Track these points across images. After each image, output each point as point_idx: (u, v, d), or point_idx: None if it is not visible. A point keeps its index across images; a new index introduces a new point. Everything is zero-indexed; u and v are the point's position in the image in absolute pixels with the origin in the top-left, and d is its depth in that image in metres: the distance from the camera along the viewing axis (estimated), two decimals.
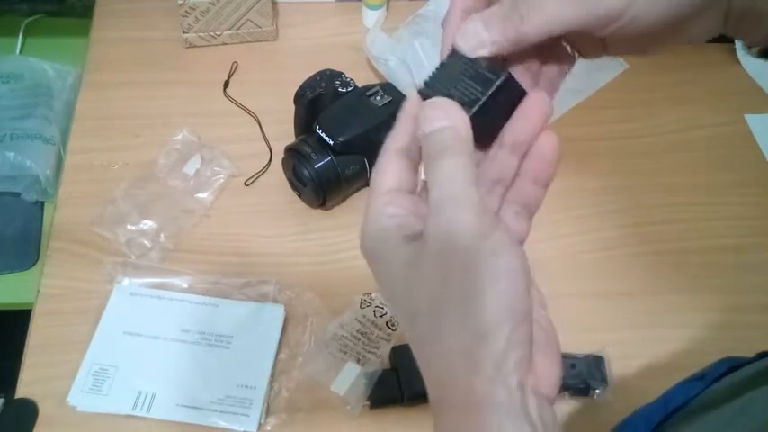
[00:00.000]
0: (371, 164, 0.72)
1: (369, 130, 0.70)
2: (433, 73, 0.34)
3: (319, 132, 0.69)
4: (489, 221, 0.29)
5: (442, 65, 0.35)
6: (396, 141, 0.35)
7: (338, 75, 0.75)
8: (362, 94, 0.72)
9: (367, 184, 0.76)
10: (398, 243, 0.31)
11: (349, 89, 0.74)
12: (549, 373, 0.30)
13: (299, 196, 0.74)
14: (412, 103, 0.35)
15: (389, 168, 0.34)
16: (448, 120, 0.31)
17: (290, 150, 0.72)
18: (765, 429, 0.40)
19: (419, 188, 0.35)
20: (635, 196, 0.79)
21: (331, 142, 0.69)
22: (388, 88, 0.73)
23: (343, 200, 0.76)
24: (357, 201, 0.76)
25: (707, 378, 0.49)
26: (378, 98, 0.72)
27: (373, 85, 0.73)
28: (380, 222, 0.32)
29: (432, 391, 0.31)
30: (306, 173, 0.70)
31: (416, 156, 0.35)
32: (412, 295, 0.30)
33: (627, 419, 0.52)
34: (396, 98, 0.72)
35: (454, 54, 0.34)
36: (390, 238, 0.32)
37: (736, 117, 0.87)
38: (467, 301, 0.28)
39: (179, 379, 0.62)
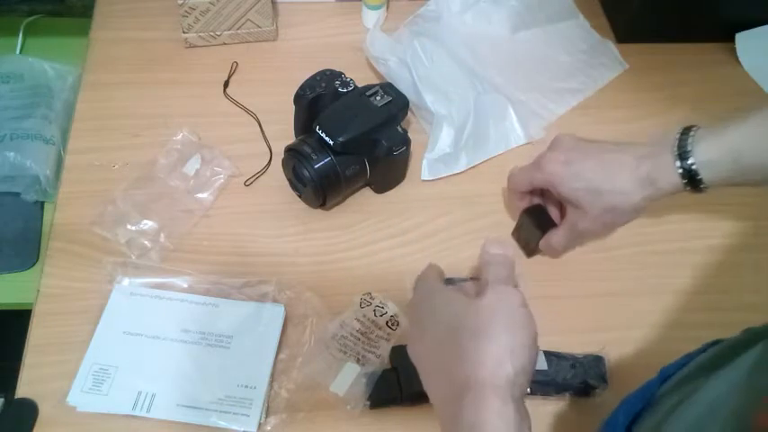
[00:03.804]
0: (371, 164, 0.72)
1: (369, 130, 0.70)
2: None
3: (319, 132, 0.69)
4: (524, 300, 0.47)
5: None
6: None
7: (338, 75, 0.74)
8: (362, 94, 0.72)
9: (367, 184, 0.76)
10: (458, 292, 0.51)
11: (349, 89, 0.74)
12: None
13: (299, 196, 0.74)
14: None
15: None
16: (504, 253, 0.51)
17: (290, 150, 0.72)
18: (750, 375, 0.41)
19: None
20: None
21: (331, 142, 0.69)
22: (387, 88, 0.73)
23: (343, 200, 0.76)
24: (357, 201, 0.76)
25: (691, 356, 0.50)
26: (378, 98, 0.72)
27: (373, 85, 0.73)
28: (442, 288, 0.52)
29: (442, 382, 0.46)
30: (306, 173, 0.70)
31: None
32: (466, 318, 0.46)
33: (612, 412, 0.53)
34: (396, 98, 0.72)
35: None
36: (448, 289, 0.52)
37: None
38: (506, 333, 0.45)
39: (179, 379, 0.62)
